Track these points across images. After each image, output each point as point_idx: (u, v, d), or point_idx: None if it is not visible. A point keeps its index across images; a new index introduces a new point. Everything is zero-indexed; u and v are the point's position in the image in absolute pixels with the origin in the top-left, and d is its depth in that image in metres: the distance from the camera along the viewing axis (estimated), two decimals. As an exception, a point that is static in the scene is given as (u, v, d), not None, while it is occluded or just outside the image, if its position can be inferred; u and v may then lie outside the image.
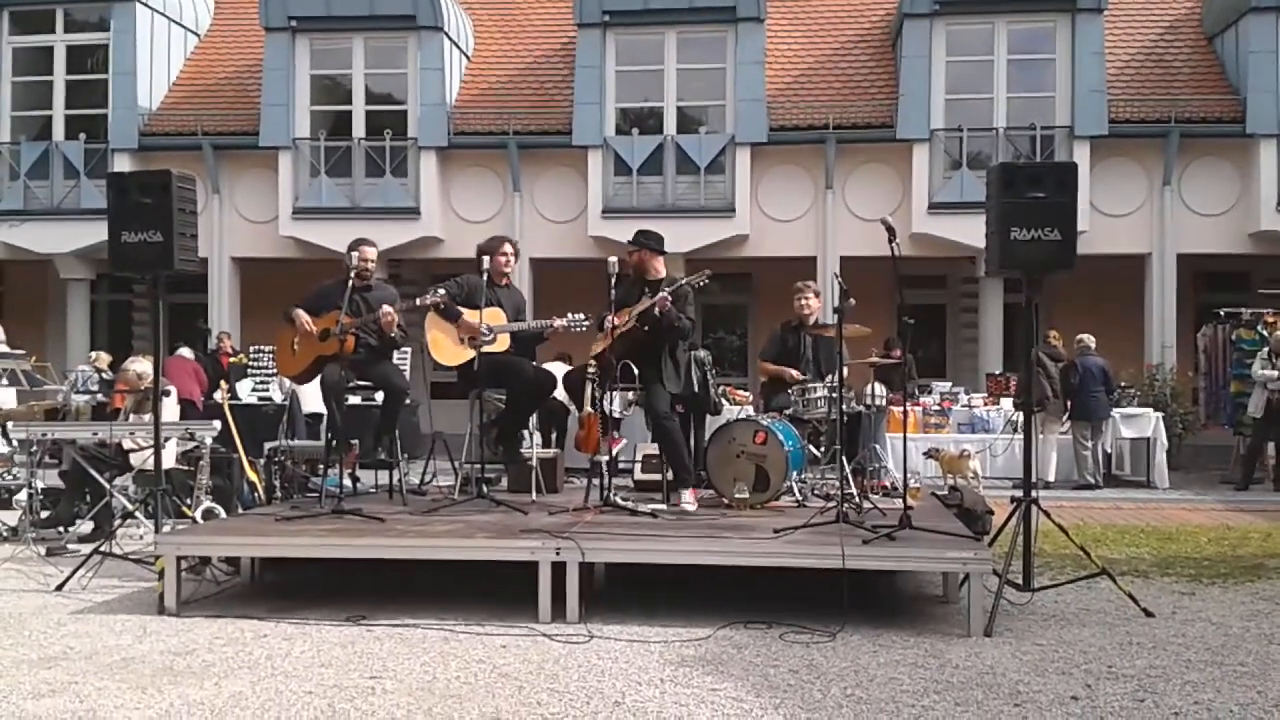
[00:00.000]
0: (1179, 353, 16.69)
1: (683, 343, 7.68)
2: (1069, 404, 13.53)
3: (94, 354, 16.41)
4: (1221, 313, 15.16)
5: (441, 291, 7.70)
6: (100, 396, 14.15)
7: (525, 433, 8.64)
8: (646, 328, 7.38)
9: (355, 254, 7.67)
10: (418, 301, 7.68)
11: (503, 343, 7.70)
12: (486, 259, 7.80)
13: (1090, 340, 13.69)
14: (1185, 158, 16.94)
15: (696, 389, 8.56)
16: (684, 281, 7.49)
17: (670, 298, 7.28)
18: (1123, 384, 14.80)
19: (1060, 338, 14.16)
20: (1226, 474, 14.41)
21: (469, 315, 7.66)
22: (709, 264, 7.59)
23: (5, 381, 10.28)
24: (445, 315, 7.76)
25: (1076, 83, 16.60)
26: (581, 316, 7.69)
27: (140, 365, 9.68)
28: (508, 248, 8.08)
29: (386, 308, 7.60)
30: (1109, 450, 14.09)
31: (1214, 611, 6.43)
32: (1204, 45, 18.06)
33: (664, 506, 7.30)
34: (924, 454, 11.99)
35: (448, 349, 7.78)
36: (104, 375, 15.37)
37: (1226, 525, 10.16)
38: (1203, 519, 10.71)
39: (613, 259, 7.44)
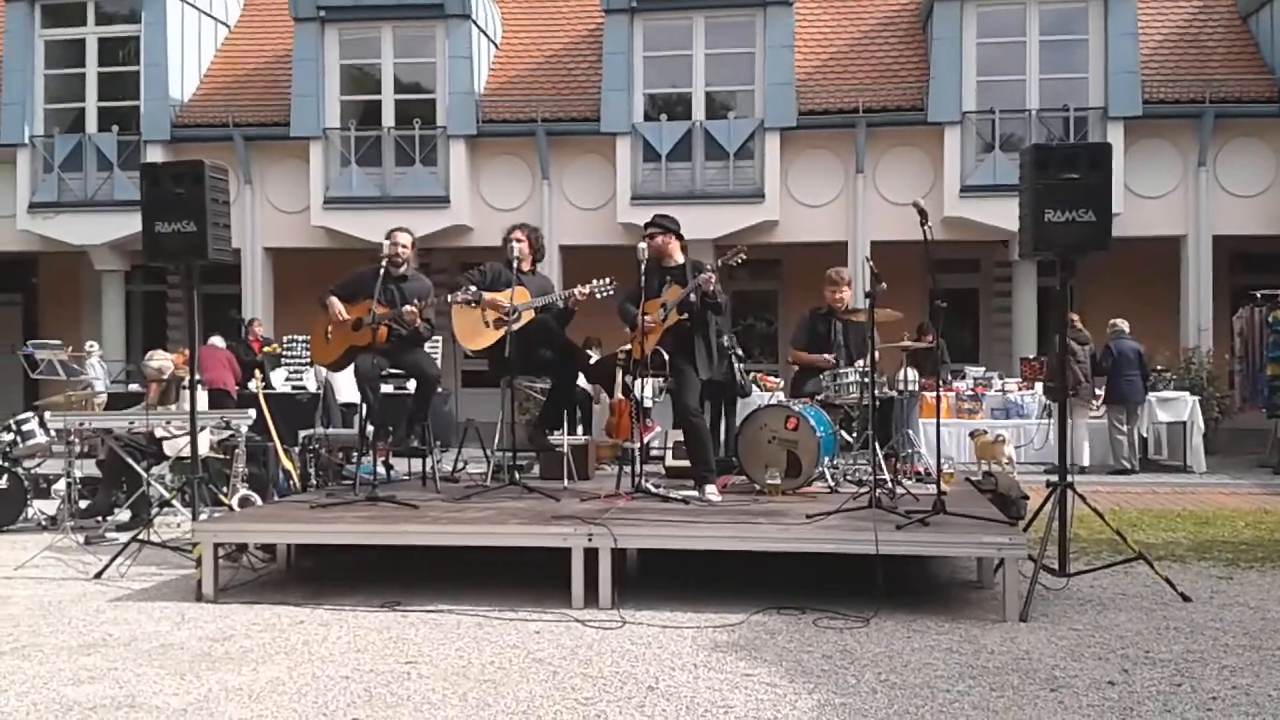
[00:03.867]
0: (1215, 335, 16.49)
1: (718, 320, 7.62)
2: (1098, 388, 13.44)
3: (90, 344, 16.65)
4: (1258, 295, 14.97)
5: (473, 289, 7.69)
6: (133, 386, 14.33)
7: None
8: (685, 315, 7.34)
9: (398, 235, 7.69)
10: (449, 299, 7.68)
11: (527, 319, 7.67)
12: (513, 243, 7.82)
13: (1124, 324, 13.58)
14: (1220, 138, 16.72)
15: (737, 377, 8.58)
16: (721, 261, 7.43)
17: (714, 276, 7.23)
18: (1159, 367, 14.66)
19: (1082, 321, 14.01)
20: (1263, 457, 14.28)
21: (491, 297, 7.66)
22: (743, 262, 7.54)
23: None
24: (467, 304, 7.76)
25: (1110, 63, 16.40)
26: (607, 281, 7.61)
27: (159, 360, 9.77)
28: (517, 233, 8.03)
29: (410, 307, 7.61)
30: (1145, 434, 13.96)
31: (1252, 596, 6.37)
32: (1238, 25, 17.81)
33: (695, 494, 7.28)
34: (970, 434, 11.97)
35: (474, 334, 7.78)
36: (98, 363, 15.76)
37: (1264, 509, 10.06)
38: (1240, 503, 10.61)
39: (641, 245, 7.41)
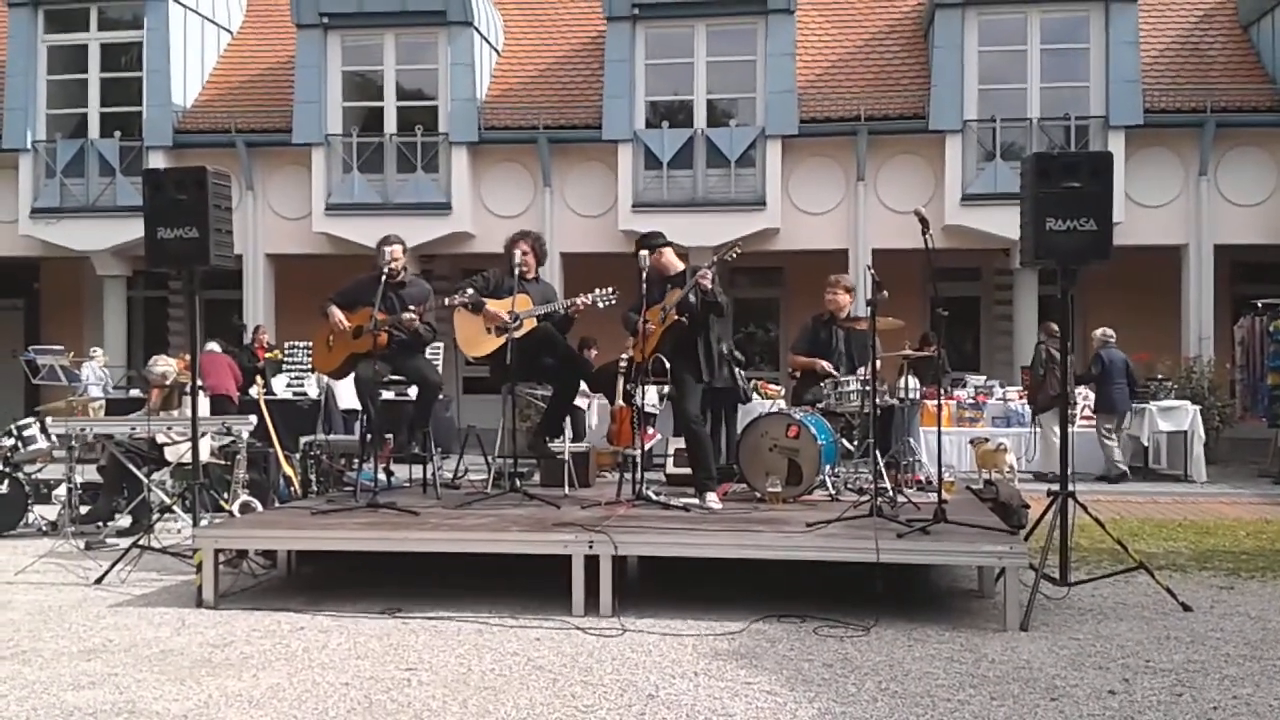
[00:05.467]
0: (1216, 345, 16.50)
1: (717, 323, 7.63)
2: (1091, 395, 13.56)
3: (94, 350, 16.67)
4: (1259, 304, 14.98)
5: (471, 291, 7.69)
6: (134, 392, 14.33)
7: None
8: (685, 317, 7.35)
9: (388, 250, 7.70)
10: (447, 301, 7.68)
11: (528, 327, 7.67)
12: (518, 253, 7.82)
13: (1111, 333, 13.64)
14: (1221, 147, 16.74)
15: (737, 382, 8.57)
16: (716, 256, 7.44)
17: (710, 274, 7.24)
18: (1159, 376, 14.68)
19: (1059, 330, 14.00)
20: (1264, 467, 14.26)
21: (492, 305, 7.66)
22: (738, 257, 7.56)
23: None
24: (471, 309, 7.76)
25: (1111, 72, 16.43)
26: (609, 290, 7.60)
27: (162, 366, 9.77)
28: (522, 244, 8.01)
29: (408, 314, 7.59)
30: (1146, 443, 13.96)
31: (1253, 606, 6.36)
32: (1239, 34, 17.85)
33: (696, 501, 7.28)
34: (970, 442, 12.03)
35: (476, 340, 7.77)
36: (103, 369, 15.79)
37: (1265, 519, 10.06)
38: (1241, 512, 10.61)
39: (644, 253, 7.43)
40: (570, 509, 7.07)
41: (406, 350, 7.88)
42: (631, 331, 7.49)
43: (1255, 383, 14.83)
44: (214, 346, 14.88)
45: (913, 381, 8.50)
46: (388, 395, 9.14)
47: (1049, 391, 12.92)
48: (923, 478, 8.64)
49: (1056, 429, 13.15)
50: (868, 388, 7.47)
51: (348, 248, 17.46)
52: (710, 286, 7.22)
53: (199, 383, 7.86)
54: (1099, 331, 13.71)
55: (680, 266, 7.71)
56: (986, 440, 11.99)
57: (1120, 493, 12.17)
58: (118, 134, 18.52)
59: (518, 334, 7.48)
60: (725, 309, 7.50)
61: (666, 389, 7.73)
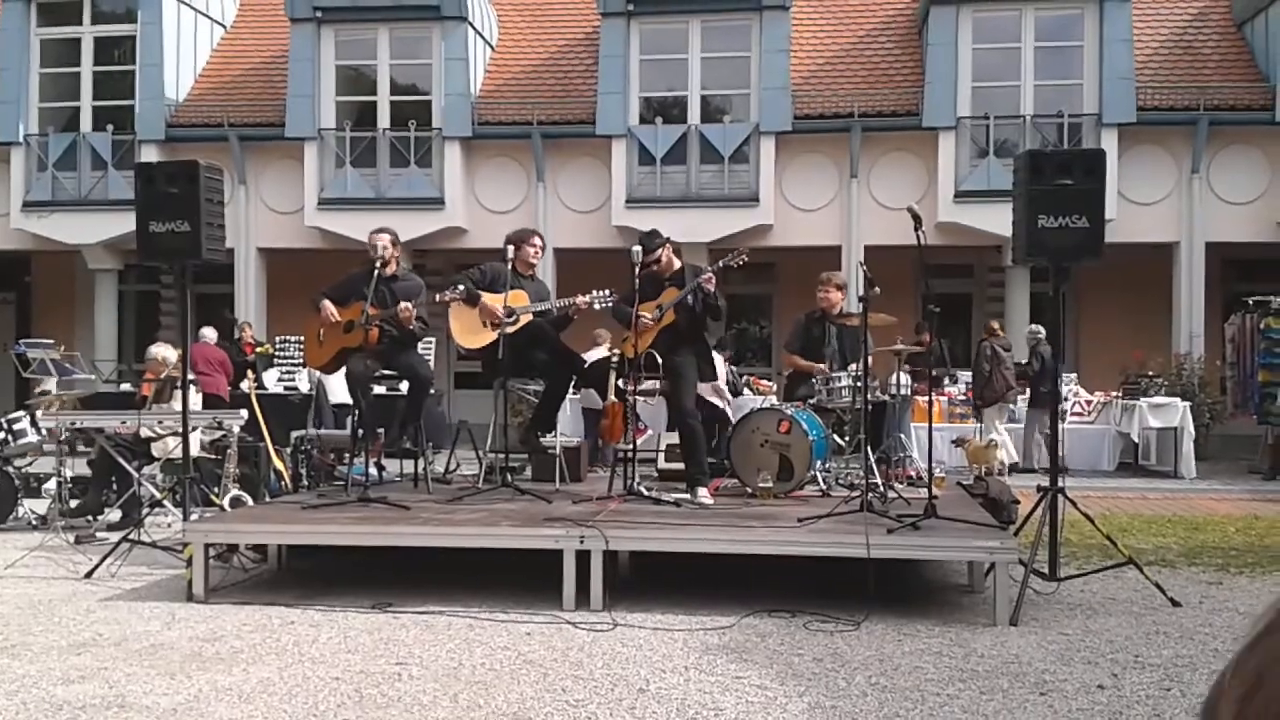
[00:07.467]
0: (1207, 342, 16.53)
1: (714, 324, 7.65)
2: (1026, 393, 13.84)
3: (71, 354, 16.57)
4: (1250, 301, 15.02)
5: (461, 287, 7.68)
6: (125, 385, 14.25)
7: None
8: (678, 317, 7.37)
9: (379, 240, 7.69)
10: (438, 298, 7.68)
11: (524, 322, 7.67)
12: (513, 248, 7.81)
13: (1042, 330, 13.89)
14: (1214, 146, 16.76)
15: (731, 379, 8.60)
16: (721, 263, 7.45)
17: (715, 277, 7.26)
18: (1150, 373, 14.74)
19: (1002, 329, 14.36)
20: (1254, 464, 14.31)
21: (489, 298, 7.65)
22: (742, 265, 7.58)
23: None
24: (466, 301, 7.77)
25: (1104, 70, 16.44)
26: (606, 293, 7.62)
27: (160, 350, 9.75)
28: (537, 240, 8.08)
29: (403, 306, 7.57)
30: (1136, 440, 14.00)
31: (1241, 601, 6.39)
32: (1233, 32, 17.87)
33: (688, 497, 7.28)
34: (952, 442, 12.02)
35: (470, 333, 7.78)
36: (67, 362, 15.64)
37: (1254, 515, 10.09)
38: (1230, 509, 10.64)
39: (636, 248, 7.42)
40: (561, 504, 7.07)
41: (398, 345, 7.87)
42: (624, 323, 7.49)
43: (1245, 380, 14.88)
44: (207, 333, 14.76)
45: (904, 377, 8.51)
46: (379, 390, 9.13)
47: (995, 389, 13.19)
48: (913, 473, 8.65)
49: (999, 425, 13.41)
50: (859, 383, 7.48)
51: (340, 242, 17.42)
52: (713, 289, 7.25)
53: (190, 376, 7.84)
54: (1029, 330, 14.04)
55: (678, 265, 7.73)
56: (971, 438, 12.03)
57: (1110, 488, 12.20)
58: (110, 127, 18.46)
59: (511, 329, 7.49)
60: (722, 313, 7.54)
61: (659, 385, 7.73)
